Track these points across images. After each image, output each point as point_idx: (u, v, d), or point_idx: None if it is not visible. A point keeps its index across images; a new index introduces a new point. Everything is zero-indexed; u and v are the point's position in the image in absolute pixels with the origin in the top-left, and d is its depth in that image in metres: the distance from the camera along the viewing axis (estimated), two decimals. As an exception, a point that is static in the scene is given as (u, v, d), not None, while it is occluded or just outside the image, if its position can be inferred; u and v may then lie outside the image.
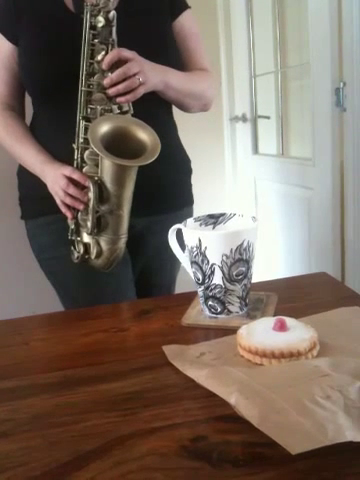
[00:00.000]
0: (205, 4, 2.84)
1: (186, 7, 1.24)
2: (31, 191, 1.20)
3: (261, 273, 2.02)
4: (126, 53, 0.98)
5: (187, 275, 0.86)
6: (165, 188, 1.19)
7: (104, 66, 0.98)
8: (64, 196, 1.02)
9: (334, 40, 1.90)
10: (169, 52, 1.17)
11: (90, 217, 0.99)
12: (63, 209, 1.05)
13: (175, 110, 1.26)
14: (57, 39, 1.09)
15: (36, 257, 1.24)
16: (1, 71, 1.15)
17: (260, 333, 0.66)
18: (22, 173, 1.21)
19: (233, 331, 0.70)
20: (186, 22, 1.23)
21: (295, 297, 0.88)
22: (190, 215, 1.29)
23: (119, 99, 0.99)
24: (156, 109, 1.14)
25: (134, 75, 0.98)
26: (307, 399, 0.50)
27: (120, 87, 0.98)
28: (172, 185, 1.21)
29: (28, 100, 1.22)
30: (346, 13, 1.82)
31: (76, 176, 1.01)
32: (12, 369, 0.71)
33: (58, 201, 1.05)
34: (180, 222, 0.84)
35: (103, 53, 0.99)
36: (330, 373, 0.55)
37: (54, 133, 1.15)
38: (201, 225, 0.86)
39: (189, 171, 1.31)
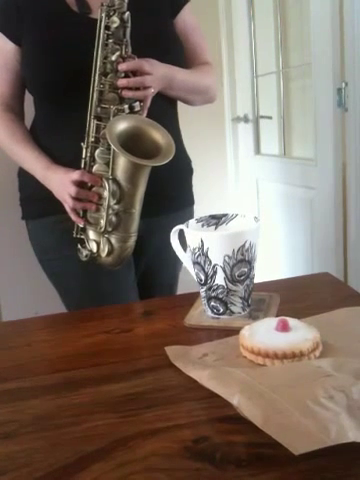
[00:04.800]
0: (207, 5, 2.84)
1: (186, 1, 1.25)
2: (32, 192, 1.20)
3: (263, 273, 2.02)
4: (147, 68, 1.02)
5: (189, 276, 0.86)
6: (166, 188, 1.19)
7: (120, 70, 1.00)
8: (74, 203, 1.02)
9: (336, 40, 1.90)
10: (173, 49, 1.18)
11: (104, 215, 1.00)
12: (74, 217, 1.05)
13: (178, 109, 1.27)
14: (61, 39, 1.09)
15: (38, 258, 1.24)
16: (3, 72, 1.15)
17: (263, 334, 0.66)
18: (23, 174, 1.21)
19: (235, 332, 0.70)
20: (187, 17, 1.24)
21: (297, 297, 0.88)
22: (191, 215, 1.30)
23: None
24: (161, 108, 1.15)
25: (148, 87, 1.02)
26: (310, 400, 0.50)
27: (137, 93, 1.01)
28: (173, 185, 1.22)
29: (28, 101, 1.22)
30: (348, 13, 1.82)
31: (86, 178, 1.01)
32: (15, 370, 0.71)
33: (68, 209, 1.05)
34: (181, 222, 0.84)
35: (117, 53, 1.00)
36: (333, 374, 0.55)
37: (58, 133, 1.15)
38: (203, 226, 0.86)
39: (190, 171, 1.32)
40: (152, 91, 1.03)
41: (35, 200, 1.20)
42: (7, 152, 1.17)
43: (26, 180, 1.21)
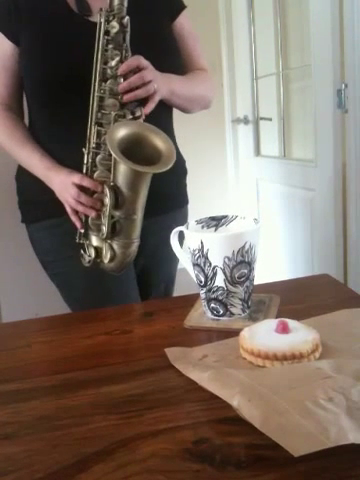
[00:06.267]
0: (207, 6, 2.85)
1: (184, 7, 1.26)
2: (31, 195, 1.20)
3: (263, 275, 2.02)
4: (143, 61, 1.00)
5: (189, 277, 0.86)
6: (161, 189, 1.19)
7: (120, 72, 0.99)
8: (76, 204, 1.03)
9: (335, 41, 1.90)
10: (171, 52, 1.18)
11: (106, 222, 0.99)
12: (73, 218, 1.05)
13: (176, 112, 1.27)
14: (59, 39, 1.09)
15: (40, 260, 1.24)
16: (1, 71, 1.15)
17: (262, 335, 0.66)
18: (21, 177, 1.21)
19: (235, 333, 0.70)
20: (185, 22, 1.25)
21: (297, 299, 0.88)
22: (185, 215, 1.32)
23: (146, 110, 1.00)
24: (157, 112, 1.15)
25: (149, 82, 1.00)
26: (309, 401, 0.50)
27: (138, 92, 0.99)
28: (168, 186, 1.22)
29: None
30: (347, 14, 1.82)
31: (86, 183, 1.01)
32: (15, 372, 0.71)
33: (68, 209, 1.05)
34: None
35: (117, 59, 0.99)
36: (332, 375, 0.55)
37: (56, 138, 1.14)
38: (203, 227, 0.86)
39: (184, 172, 1.32)
40: (155, 86, 1.01)
41: (33, 204, 1.20)
42: (7, 151, 1.17)
43: (24, 184, 1.21)
